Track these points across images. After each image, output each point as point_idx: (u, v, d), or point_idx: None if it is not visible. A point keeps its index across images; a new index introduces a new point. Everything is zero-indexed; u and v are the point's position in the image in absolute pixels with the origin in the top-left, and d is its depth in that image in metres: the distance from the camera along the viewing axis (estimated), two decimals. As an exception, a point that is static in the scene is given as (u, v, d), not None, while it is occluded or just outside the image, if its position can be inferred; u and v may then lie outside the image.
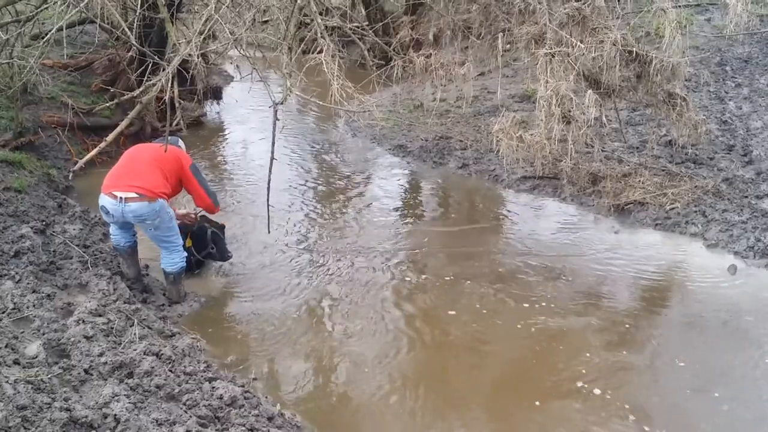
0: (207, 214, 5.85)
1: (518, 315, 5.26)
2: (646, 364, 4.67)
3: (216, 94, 11.41)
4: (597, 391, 4.34)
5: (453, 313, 5.30)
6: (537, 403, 4.24)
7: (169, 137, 5.41)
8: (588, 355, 4.74)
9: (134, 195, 4.87)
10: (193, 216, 5.79)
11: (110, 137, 5.98)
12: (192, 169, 5.33)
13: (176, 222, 5.31)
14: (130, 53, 8.97)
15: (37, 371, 3.57)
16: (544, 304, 5.40)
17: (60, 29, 6.15)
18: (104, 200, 4.94)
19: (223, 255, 5.90)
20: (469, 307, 5.38)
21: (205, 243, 5.77)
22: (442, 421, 4.11)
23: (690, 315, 5.25)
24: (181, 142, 5.72)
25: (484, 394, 4.39)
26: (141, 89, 5.81)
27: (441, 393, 4.40)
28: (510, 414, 4.21)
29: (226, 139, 10.29)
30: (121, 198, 4.86)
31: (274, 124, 5.16)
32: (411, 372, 4.61)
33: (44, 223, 5.69)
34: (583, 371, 4.55)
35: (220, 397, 3.87)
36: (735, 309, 5.24)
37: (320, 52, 5.41)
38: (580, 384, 4.41)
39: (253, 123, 10.42)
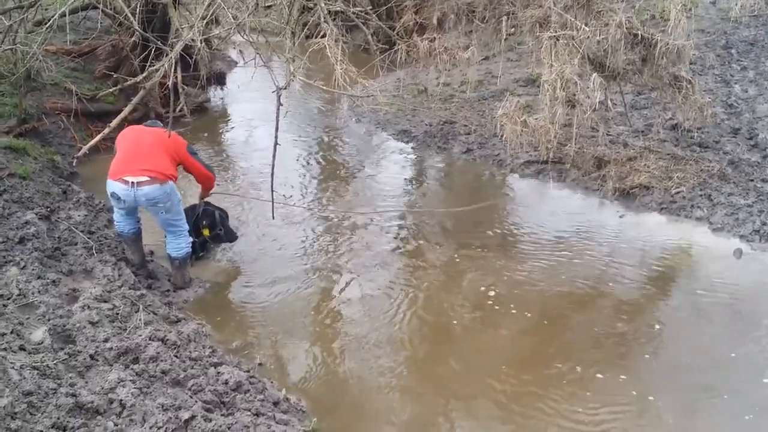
0: (208, 199, 5.87)
1: (515, 286, 5.41)
2: (625, 327, 4.87)
3: (219, 79, 11.38)
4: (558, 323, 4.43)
5: (458, 290, 5.36)
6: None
7: (149, 121, 5.47)
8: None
9: (146, 178, 4.87)
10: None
11: (114, 123, 6.01)
12: (189, 150, 5.38)
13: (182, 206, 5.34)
14: (133, 39, 8.94)
15: (43, 357, 3.59)
16: (543, 280, 5.50)
17: (63, 15, 6.15)
18: (114, 186, 4.93)
19: (231, 236, 5.92)
20: (474, 288, 5.40)
21: (214, 224, 5.78)
22: (446, 407, 4.14)
23: (690, 297, 5.25)
24: (159, 123, 5.71)
25: (494, 378, 4.41)
26: (144, 75, 5.83)
27: (443, 376, 4.42)
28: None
29: (230, 124, 10.26)
30: (132, 183, 4.86)
31: (278, 109, 5.15)
32: (415, 355, 4.64)
33: (49, 209, 5.70)
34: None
35: (226, 382, 3.90)
36: (739, 292, 5.22)
37: (323, 36, 5.39)
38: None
39: (256, 108, 10.37)
